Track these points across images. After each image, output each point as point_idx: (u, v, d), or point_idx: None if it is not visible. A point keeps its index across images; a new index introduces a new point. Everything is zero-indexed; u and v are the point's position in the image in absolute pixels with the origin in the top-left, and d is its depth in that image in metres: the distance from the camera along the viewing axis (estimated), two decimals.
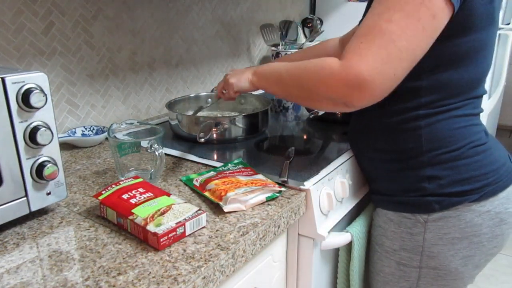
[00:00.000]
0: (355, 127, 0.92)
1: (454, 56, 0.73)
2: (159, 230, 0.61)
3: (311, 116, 1.19)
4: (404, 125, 0.79)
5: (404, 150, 0.80)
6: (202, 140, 0.93)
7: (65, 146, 1.04)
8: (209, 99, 1.26)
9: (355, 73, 0.63)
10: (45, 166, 0.66)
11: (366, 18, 0.67)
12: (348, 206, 0.94)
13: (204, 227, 0.67)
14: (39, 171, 0.66)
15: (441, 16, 0.65)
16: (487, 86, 2.16)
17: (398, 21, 0.63)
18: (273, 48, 1.69)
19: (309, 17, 1.78)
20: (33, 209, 0.68)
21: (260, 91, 1.63)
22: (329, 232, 0.84)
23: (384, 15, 0.64)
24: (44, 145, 0.66)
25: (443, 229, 0.79)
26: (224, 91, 0.96)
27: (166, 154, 0.98)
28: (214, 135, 1.03)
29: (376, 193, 0.90)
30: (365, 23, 0.66)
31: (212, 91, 1.32)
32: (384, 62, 0.63)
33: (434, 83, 0.75)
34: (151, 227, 0.61)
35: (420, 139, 0.78)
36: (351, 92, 0.64)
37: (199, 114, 1.24)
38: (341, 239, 0.86)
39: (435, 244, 0.80)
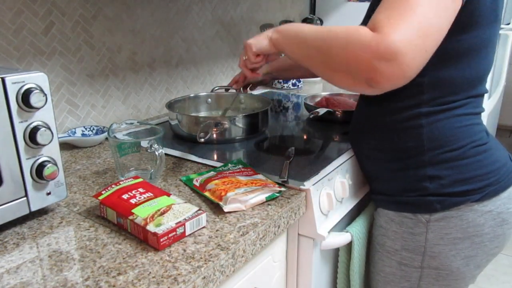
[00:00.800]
0: (356, 126, 0.92)
1: (456, 53, 0.73)
2: (159, 230, 0.61)
3: (311, 116, 1.19)
4: (405, 124, 0.79)
5: (405, 149, 0.80)
6: (202, 140, 0.93)
7: (65, 146, 1.04)
8: (209, 99, 1.26)
9: (387, 44, 0.58)
10: (45, 166, 0.66)
11: None
12: (348, 206, 0.94)
13: (204, 227, 0.67)
14: (39, 171, 0.66)
15: (458, 1, 0.64)
16: (487, 85, 2.17)
17: None
18: None
19: (309, 17, 1.78)
20: (33, 209, 0.68)
21: (260, 91, 1.63)
22: (329, 232, 0.84)
23: None
24: (44, 145, 0.66)
25: (445, 229, 0.78)
26: (244, 58, 0.87)
27: (166, 154, 0.98)
28: (214, 135, 1.03)
29: (377, 193, 0.90)
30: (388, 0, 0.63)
31: (212, 91, 1.32)
32: (417, 35, 0.59)
33: (436, 80, 0.75)
34: (151, 227, 0.61)
35: (421, 138, 0.78)
36: (379, 66, 0.59)
37: (199, 114, 1.24)
38: (341, 239, 0.86)
39: (437, 244, 0.80)
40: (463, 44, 0.72)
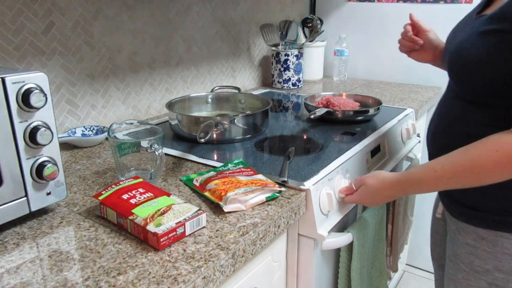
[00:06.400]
0: (451, 130, 0.84)
1: None
2: (159, 230, 0.61)
3: (311, 116, 1.19)
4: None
5: None
6: (202, 140, 0.93)
7: (65, 146, 1.04)
8: (209, 99, 1.26)
9: None
10: (45, 166, 0.66)
11: None
12: (348, 206, 0.94)
13: (204, 227, 0.67)
14: (39, 171, 0.66)
15: None
16: None
17: None
18: (273, 48, 1.69)
19: (309, 17, 1.78)
20: (33, 209, 0.68)
21: (260, 91, 1.63)
22: (329, 232, 0.84)
23: None
24: (44, 145, 0.66)
25: None
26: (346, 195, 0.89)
27: (166, 154, 0.98)
28: (214, 135, 1.03)
29: (464, 206, 0.82)
30: None
31: (212, 91, 1.32)
32: None
33: None
34: (151, 227, 0.61)
35: None
36: None
37: (199, 114, 1.24)
38: (341, 239, 0.86)
39: None
40: None
